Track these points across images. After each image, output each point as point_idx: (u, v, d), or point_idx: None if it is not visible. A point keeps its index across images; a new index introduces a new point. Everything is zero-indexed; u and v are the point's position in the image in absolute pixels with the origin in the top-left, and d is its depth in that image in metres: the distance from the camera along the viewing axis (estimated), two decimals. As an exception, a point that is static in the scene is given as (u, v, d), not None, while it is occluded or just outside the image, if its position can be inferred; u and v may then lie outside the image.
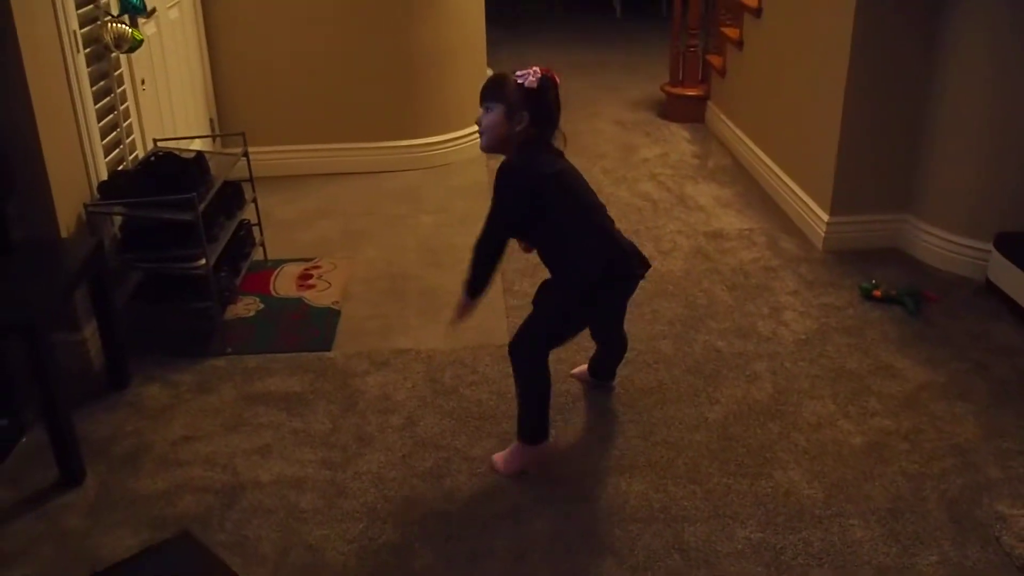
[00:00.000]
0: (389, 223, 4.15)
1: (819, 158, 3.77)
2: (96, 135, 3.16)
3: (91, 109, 3.11)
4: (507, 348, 2.53)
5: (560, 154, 2.51)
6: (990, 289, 3.41)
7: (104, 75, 3.27)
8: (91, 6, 3.16)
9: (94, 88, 3.16)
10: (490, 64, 5.72)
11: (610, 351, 2.87)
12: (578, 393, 2.91)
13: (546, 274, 2.63)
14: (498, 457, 2.57)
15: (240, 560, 2.25)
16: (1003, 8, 3.24)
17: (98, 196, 3.09)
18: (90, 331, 3.00)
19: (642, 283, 3.52)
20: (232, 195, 3.51)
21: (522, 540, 2.32)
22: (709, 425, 2.74)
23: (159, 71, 3.83)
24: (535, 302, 2.61)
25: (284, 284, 3.58)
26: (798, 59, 4.00)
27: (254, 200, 3.68)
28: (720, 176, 4.62)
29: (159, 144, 3.60)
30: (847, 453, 2.62)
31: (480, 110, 2.44)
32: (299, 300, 3.46)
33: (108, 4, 3.27)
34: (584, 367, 2.95)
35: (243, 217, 3.60)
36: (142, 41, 3.32)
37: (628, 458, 2.61)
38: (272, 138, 4.60)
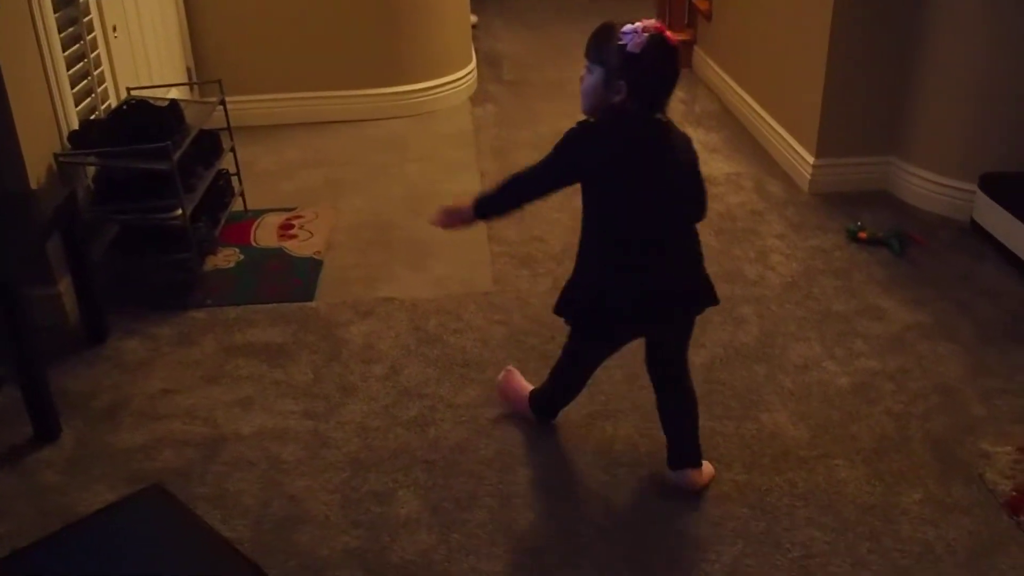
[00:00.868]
0: (373, 172, 4.08)
1: (805, 101, 3.71)
2: (65, 83, 3.07)
3: (59, 56, 3.02)
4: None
5: (660, 135, 2.05)
6: (975, 230, 3.38)
7: (73, 21, 3.17)
8: (56, -51, 3.06)
9: (62, 34, 3.07)
10: (475, 9, 5.62)
11: (664, 404, 2.32)
12: (563, 340, 2.87)
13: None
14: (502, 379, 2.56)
15: (221, 513, 2.24)
16: (993, -59, 3.18)
17: (69, 146, 3.02)
18: (65, 285, 2.95)
19: (628, 228, 3.54)
20: (210, 144, 3.44)
21: (507, 486, 2.31)
22: (695, 369, 2.70)
23: (132, 18, 3.73)
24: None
25: (265, 234, 3.53)
26: (784, 1, 3.92)
27: (232, 149, 3.60)
28: (707, 121, 4.56)
29: (132, 93, 3.52)
30: (833, 394, 2.61)
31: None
32: (280, 250, 3.41)
33: (73, -53, 3.17)
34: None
35: (222, 167, 3.53)
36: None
37: (614, 403, 2.60)
38: (253, 87, 4.51)
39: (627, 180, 2.04)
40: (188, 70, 4.40)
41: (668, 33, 1.98)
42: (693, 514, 2.22)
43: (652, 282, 2.12)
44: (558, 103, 4.79)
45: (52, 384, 2.58)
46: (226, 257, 3.37)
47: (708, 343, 2.83)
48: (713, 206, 3.67)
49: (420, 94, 4.69)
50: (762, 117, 4.19)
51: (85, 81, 3.25)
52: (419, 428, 2.51)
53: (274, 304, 3.08)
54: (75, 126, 3.10)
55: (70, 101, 3.11)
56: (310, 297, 3.12)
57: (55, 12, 3.01)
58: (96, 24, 3.37)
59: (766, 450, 2.42)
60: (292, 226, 3.58)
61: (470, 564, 2.09)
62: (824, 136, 3.63)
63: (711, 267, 3.26)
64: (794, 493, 2.28)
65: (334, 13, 4.44)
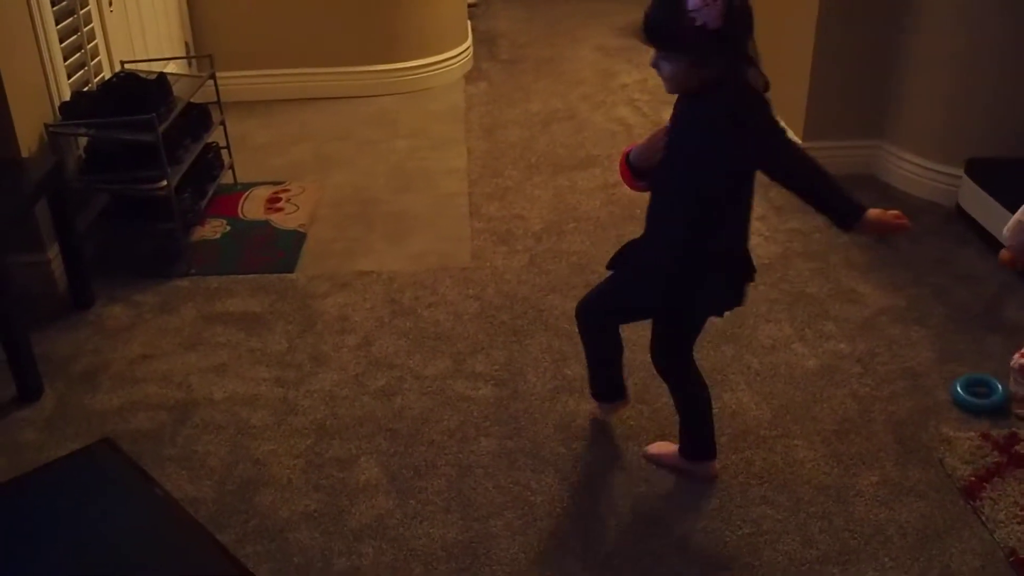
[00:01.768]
0: (362, 148, 4.12)
1: (792, 84, 3.71)
2: (58, 55, 3.12)
3: (52, 28, 3.07)
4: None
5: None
6: (960, 215, 3.37)
7: (66, -6, 3.22)
8: (48, -80, 3.10)
9: (55, 8, 3.12)
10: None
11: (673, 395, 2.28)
12: (535, 316, 2.91)
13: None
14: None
15: (187, 473, 2.30)
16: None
17: (59, 117, 3.08)
18: (54, 252, 3.02)
19: (610, 208, 3.58)
20: (199, 118, 3.48)
21: (467, 456, 2.36)
22: (663, 348, 2.75)
23: (128, -8, 3.78)
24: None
25: (252, 207, 3.58)
26: (778, -20, 3.91)
27: (222, 123, 3.65)
28: (701, 102, 4.54)
29: (126, 66, 3.57)
30: (799, 375, 2.63)
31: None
32: (266, 223, 3.47)
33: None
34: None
35: (211, 140, 3.58)
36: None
37: (579, 378, 2.62)
38: (250, 62, 4.55)
39: None
40: (186, 44, 4.45)
41: None
42: (647, 489, 2.26)
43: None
44: (550, 82, 4.80)
45: (37, 347, 2.65)
46: (213, 228, 3.42)
47: (679, 322, 2.85)
48: (697, 187, 3.71)
49: (414, 72, 4.71)
50: (754, 100, 4.18)
51: (78, 54, 3.30)
52: (385, 398, 2.56)
53: (256, 275, 3.14)
54: (67, 98, 3.15)
55: (62, 73, 3.16)
56: (291, 269, 3.17)
57: (48, -15, 3.06)
58: (91, -2, 3.42)
59: (726, 429, 2.44)
60: (279, 199, 3.63)
61: (423, 530, 2.14)
62: (811, 119, 3.63)
63: (690, 248, 3.33)
64: (750, 471, 2.31)
65: (331, -10, 4.47)
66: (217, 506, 2.21)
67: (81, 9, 3.31)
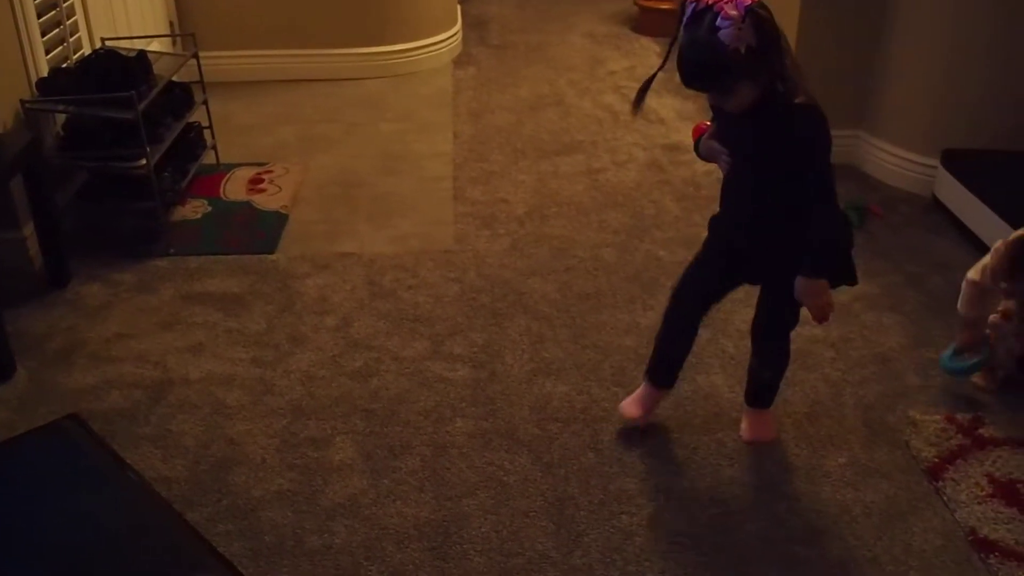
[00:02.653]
0: (348, 130, 4.12)
1: (777, 70, 3.72)
2: (36, 31, 3.11)
3: (29, 4, 3.06)
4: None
5: None
6: (936, 205, 3.40)
7: (46, -30, 3.21)
8: None
9: (34, -17, 3.11)
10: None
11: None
12: (515, 299, 2.93)
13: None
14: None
15: (160, 452, 2.31)
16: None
17: (36, 93, 3.06)
18: (30, 229, 3.01)
19: (592, 193, 3.59)
20: (180, 97, 3.47)
21: (442, 437, 2.37)
22: (640, 330, 2.77)
23: (110, -31, 3.76)
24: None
25: (234, 188, 3.58)
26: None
27: (205, 103, 3.64)
28: (684, 90, 4.52)
29: (107, 44, 3.55)
30: (773, 360, 2.65)
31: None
32: (248, 203, 3.46)
33: None
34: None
35: (194, 120, 3.57)
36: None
37: (557, 361, 2.65)
38: (236, 42, 4.53)
39: None
40: (171, 24, 4.43)
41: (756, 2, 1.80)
42: (619, 468, 2.28)
43: None
44: (539, 67, 4.80)
45: (11, 324, 2.65)
46: (194, 208, 3.42)
47: (657, 305, 2.85)
48: (679, 173, 3.73)
49: (403, 55, 4.70)
50: (737, 87, 4.20)
51: (57, 30, 3.28)
52: (362, 378, 2.57)
53: (236, 255, 3.14)
54: (44, 74, 3.14)
55: (40, 49, 3.15)
56: (271, 250, 3.17)
57: (26, -40, 3.04)
58: (71, -27, 3.40)
59: (699, 411, 2.46)
60: (262, 180, 3.63)
61: (396, 509, 2.16)
62: (793, 107, 3.64)
63: (669, 232, 3.35)
64: (721, 452, 2.34)
65: (318, -29, 4.46)
66: (190, 485, 2.22)
67: (61, -16, 3.29)
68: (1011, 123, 3.31)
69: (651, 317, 2.82)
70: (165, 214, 3.27)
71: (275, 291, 2.95)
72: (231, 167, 3.73)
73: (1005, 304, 2.50)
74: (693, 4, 1.80)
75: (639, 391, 2.39)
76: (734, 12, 1.74)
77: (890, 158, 3.59)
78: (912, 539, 2.09)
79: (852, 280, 2.16)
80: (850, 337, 2.75)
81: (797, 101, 1.91)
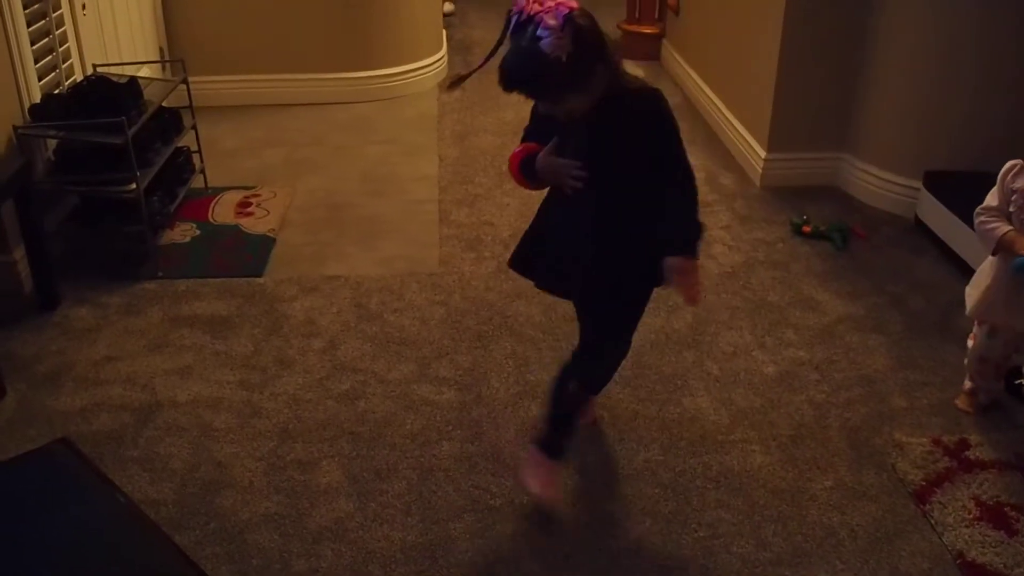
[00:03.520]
0: (334, 153, 4.14)
1: (758, 95, 3.77)
2: (29, 57, 3.13)
3: (23, 31, 3.08)
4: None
5: None
6: (919, 226, 3.44)
7: (39, -3, 3.23)
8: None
9: (27, 10, 3.13)
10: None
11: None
12: (500, 321, 2.94)
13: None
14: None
15: (149, 475, 2.31)
16: (942, -56, 3.23)
17: (29, 119, 3.08)
18: (21, 253, 3.01)
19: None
20: (170, 121, 3.49)
21: (428, 460, 2.38)
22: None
23: (102, -5, 3.79)
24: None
25: (222, 211, 3.59)
26: (746, -6, 3.98)
27: (194, 127, 3.66)
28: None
29: (98, 70, 3.58)
30: (758, 382, 2.68)
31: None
32: (236, 227, 3.48)
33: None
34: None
35: (183, 145, 3.59)
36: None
37: (542, 384, 2.65)
38: (225, 67, 4.56)
39: None
40: (161, 49, 4.46)
41: (559, 9, 1.79)
42: (605, 492, 2.29)
43: None
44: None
45: (0, 347, 2.65)
46: (182, 232, 3.44)
47: (641, 328, 2.84)
48: (664, 197, 3.76)
49: (388, 79, 4.75)
50: (720, 111, 4.25)
51: (50, 56, 3.30)
52: (349, 401, 2.58)
53: (224, 278, 3.15)
54: (37, 100, 3.16)
55: (33, 75, 3.17)
56: (259, 273, 3.18)
57: (20, -12, 3.07)
58: (64, 2, 3.42)
59: (684, 433, 2.48)
60: (250, 204, 3.64)
61: (383, 532, 2.16)
62: (776, 130, 3.69)
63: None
64: (707, 475, 2.35)
65: (306, -5, 4.50)
66: (177, 508, 2.22)
67: (54, 12, 3.32)
68: (993, 145, 3.36)
69: (635, 340, 2.80)
70: (154, 237, 3.28)
71: (262, 314, 2.96)
72: (219, 191, 3.75)
73: None
74: (517, 14, 1.83)
75: (542, 478, 2.23)
76: (553, 22, 1.77)
77: (873, 180, 3.64)
78: (899, 562, 2.11)
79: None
80: (834, 359, 2.78)
81: (631, 87, 1.95)
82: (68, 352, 2.77)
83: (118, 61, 3.80)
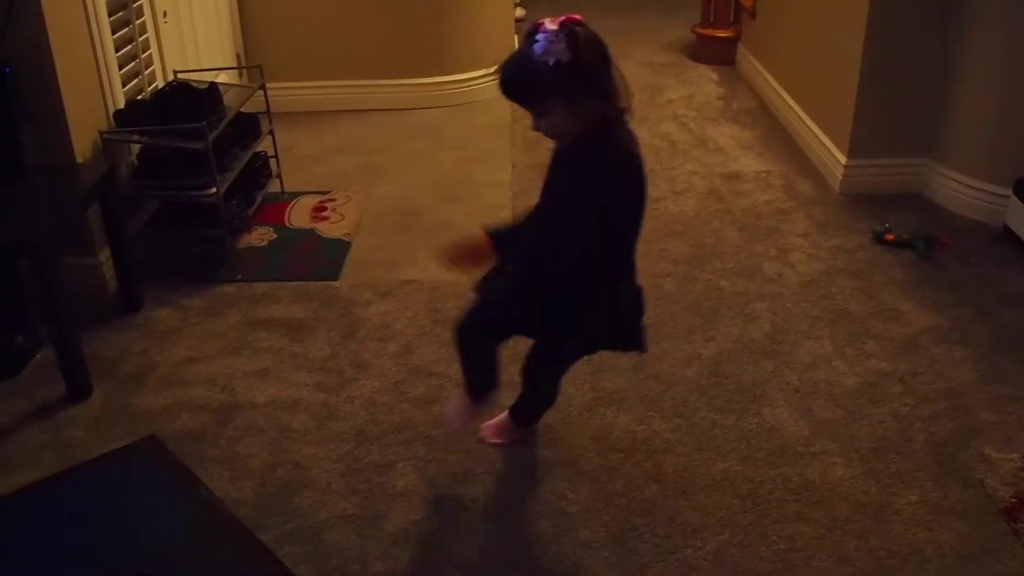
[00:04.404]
0: (408, 159, 4.18)
1: (839, 100, 3.69)
2: (114, 65, 3.22)
3: (108, 39, 3.17)
4: None
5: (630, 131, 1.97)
6: (1007, 235, 3.33)
7: (123, 6, 3.32)
8: (107, -65, 3.20)
9: (112, 18, 3.21)
10: (524, 2, 5.69)
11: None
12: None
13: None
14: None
15: (229, 474, 2.34)
16: (1034, -56, 3.12)
17: (113, 124, 3.17)
18: (105, 256, 3.10)
19: (651, 223, 3.55)
20: (248, 127, 3.56)
21: (504, 464, 2.37)
22: (702, 361, 2.75)
23: (183, 4, 3.88)
24: None
25: (298, 215, 3.65)
26: (825, -3, 3.91)
27: (271, 133, 3.73)
28: (743, 118, 4.55)
29: (178, 76, 3.66)
30: (838, 393, 2.61)
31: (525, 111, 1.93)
32: (311, 231, 3.53)
33: (125, -66, 3.31)
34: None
35: (260, 150, 3.66)
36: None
37: (618, 391, 2.64)
38: (299, 74, 4.64)
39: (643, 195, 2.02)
40: (238, 56, 4.55)
41: (561, 19, 1.81)
42: (683, 501, 2.26)
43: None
44: (598, 97, 4.82)
45: (86, 348, 2.72)
46: (260, 235, 3.49)
47: (718, 336, 2.85)
48: (739, 203, 3.71)
49: (460, 85, 4.77)
50: (798, 116, 4.17)
51: (133, 63, 3.39)
52: (424, 405, 2.58)
53: (300, 282, 3.19)
54: (121, 105, 3.25)
55: (117, 82, 3.25)
56: (335, 276, 3.22)
57: (106, -3, 3.16)
58: (146, 9, 3.51)
59: (763, 444, 2.43)
60: (325, 208, 3.69)
61: (460, 536, 2.16)
62: (857, 136, 3.61)
63: (730, 262, 3.33)
64: (787, 487, 2.30)
65: (380, 4, 4.55)
66: (257, 507, 2.25)
67: (137, 20, 3.41)
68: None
69: (712, 348, 2.80)
70: (232, 241, 3.34)
71: (338, 317, 2.99)
72: (295, 195, 3.80)
73: None
74: (531, 26, 1.84)
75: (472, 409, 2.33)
76: (552, 26, 1.79)
77: (958, 187, 3.53)
78: (988, 581, 2.04)
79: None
80: (919, 371, 2.70)
81: (607, 140, 1.90)
82: (151, 353, 2.84)
83: (197, 67, 3.89)
